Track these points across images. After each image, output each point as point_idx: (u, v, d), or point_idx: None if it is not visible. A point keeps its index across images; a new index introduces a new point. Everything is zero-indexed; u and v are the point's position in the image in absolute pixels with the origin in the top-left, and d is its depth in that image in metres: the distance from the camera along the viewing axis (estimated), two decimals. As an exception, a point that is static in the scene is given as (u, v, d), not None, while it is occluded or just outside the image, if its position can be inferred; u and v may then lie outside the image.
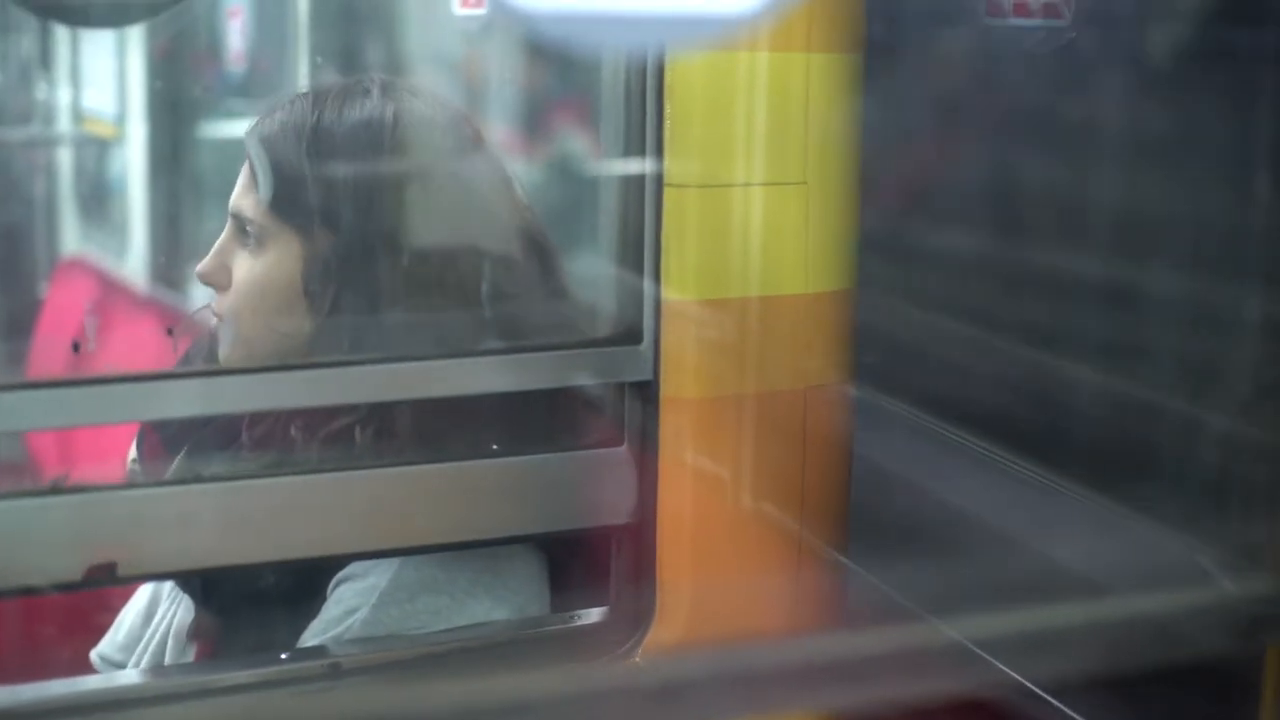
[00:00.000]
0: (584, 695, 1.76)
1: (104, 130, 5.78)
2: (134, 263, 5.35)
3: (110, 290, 5.43)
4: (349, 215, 2.33)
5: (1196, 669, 1.98)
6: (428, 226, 2.37)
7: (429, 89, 2.49)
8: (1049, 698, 2.26)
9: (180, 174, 5.26)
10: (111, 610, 2.68)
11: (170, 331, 2.44)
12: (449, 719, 2.07)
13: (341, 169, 2.35)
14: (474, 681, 2.22)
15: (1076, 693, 2.28)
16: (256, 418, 2.32)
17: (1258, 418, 2.23)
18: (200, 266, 2.40)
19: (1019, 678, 1.91)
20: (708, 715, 1.77)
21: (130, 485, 2.15)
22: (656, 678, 1.83)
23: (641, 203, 2.17)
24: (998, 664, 1.85)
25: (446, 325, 2.32)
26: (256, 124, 2.39)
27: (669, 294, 2.18)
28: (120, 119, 5.57)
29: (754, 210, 2.19)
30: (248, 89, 5.07)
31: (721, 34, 2.10)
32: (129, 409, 2.10)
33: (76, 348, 3.17)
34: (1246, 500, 2.24)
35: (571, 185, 2.75)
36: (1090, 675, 2.00)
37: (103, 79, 5.68)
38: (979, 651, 1.85)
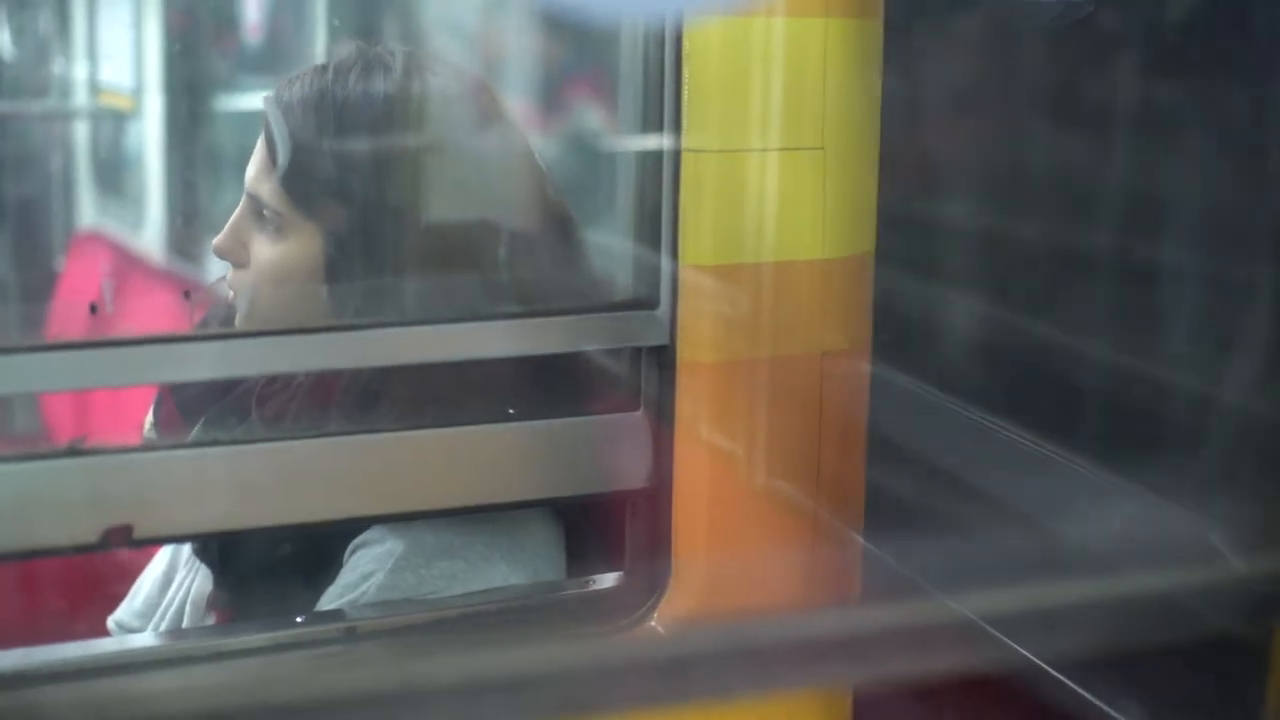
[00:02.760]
0: (598, 662, 1.75)
1: (121, 103, 5.78)
2: (150, 235, 5.35)
3: (126, 263, 5.43)
4: (372, 202, 2.32)
5: (1206, 647, 1.97)
6: (452, 206, 2.36)
7: (447, 59, 2.47)
8: (1058, 675, 2.26)
9: (196, 146, 5.26)
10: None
11: (187, 295, 2.44)
12: (463, 683, 2.08)
13: (363, 150, 2.35)
14: (489, 646, 2.22)
15: (1085, 670, 2.28)
16: (266, 392, 2.32)
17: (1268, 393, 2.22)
18: (217, 241, 2.40)
19: (1028, 654, 1.91)
20: (720, 687, 1.77)
21: (146, 448, 2.14)
22: (669, 648, 1.82)
23: (659, 168, 2.17)
24: (1007, 640, 1.85)
25: (469, 307, 2.31)
26: (272, 98, 2.37)
27: (686, 259, 2.17)
28: (137, 92, 5.57)
29: (771, 176, 2.19)
30: (264, 61, 5.07)
31: (738, 1, 2.10)
32: (140, 371, 2.10)
33: (94, 309, 3.17)
34: (1257, 477, 2.24)
35: (590, 154, 2.75)
36: (1098, 652, 2.00)
37: (119, 52, 5.67)
38: (988, 628, 1.84)
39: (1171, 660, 1.99)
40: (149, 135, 5.42)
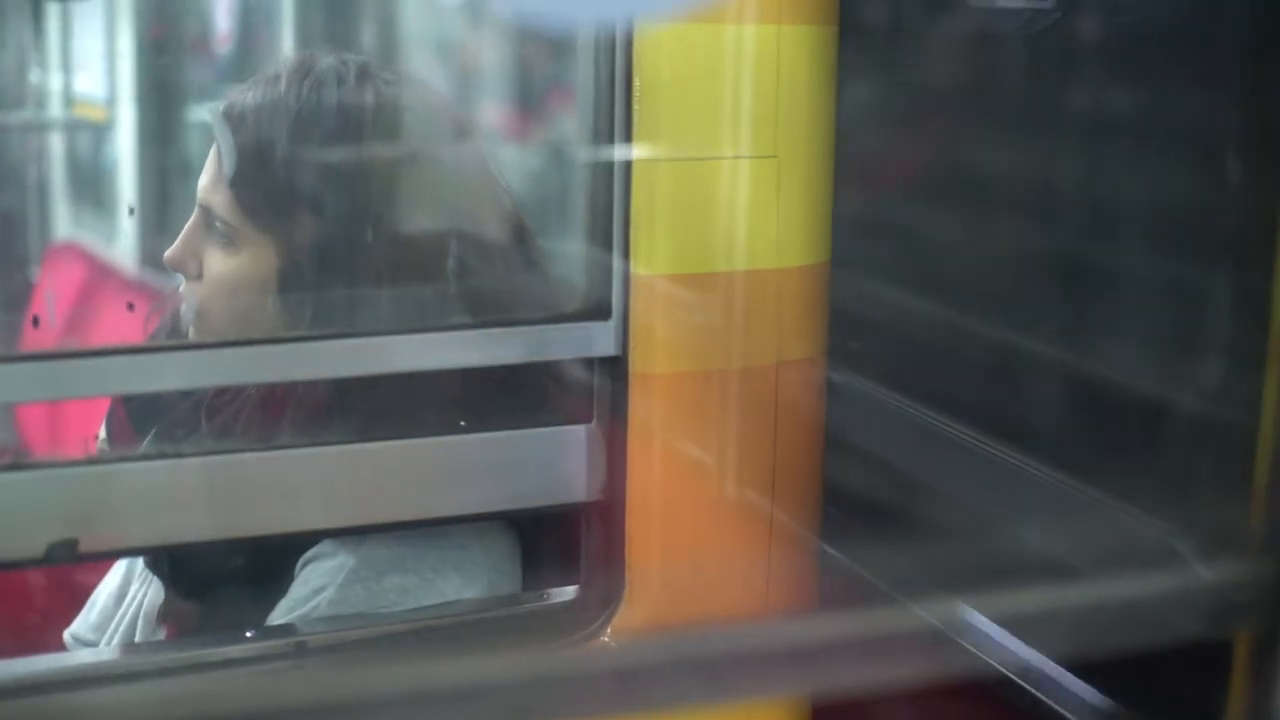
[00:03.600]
0: (552, 675, 1.73)
1: (95, 114, 5.77)
2: (124, 246, 5.33)
3: (101, 274, 5.41)
4: (325, 213, 2.30)
5: (1167, 653, 1.96)
6: (405, 217, 2.34)
7: (404, 70, 2.45)
8: (1021, 682, 2.25)
9: (169, 156, 5.24)
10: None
11: (130, 306, 2.42)
12: (414, 698, 2.06)
13: (317, 161, 2.33)
14: (441, 660, 2.20)
15: (1049, 677, 2.27)
16: (216, 404, 2.30)
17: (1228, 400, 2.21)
18: (169, 253, 2.37)
19: (989, 661, 1.89)
20: (675, 698, 1.75)
21: (91, 461, 2.12)
22: (623, 660, 1.80)
23: (610, 178, 2.15)
24: (967, 647, 1.84)
25: (422, 319, 2.30)
26: (224, 109, 2.35)
27: (638, 269, 2.15)
28: (110, 102, 5.55)
29: (724, 184, 2.17)
30: (236, 70, 5.05)
31: (691, 6, 2.08)
32: (91, 383, 2.08)
33: (36, 322, 3.16)
34: (1218, 484, 2.23)
35: (543, 164, 2.73)
36: (1062, 659, 1.99)
37: (93, 63, 5.66)
38: (948, 635, 1.83)
39: (1133, 666, 1.98)
40: (123, 145, 5.40)
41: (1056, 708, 2.34)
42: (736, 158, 2.17)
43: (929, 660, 1.84)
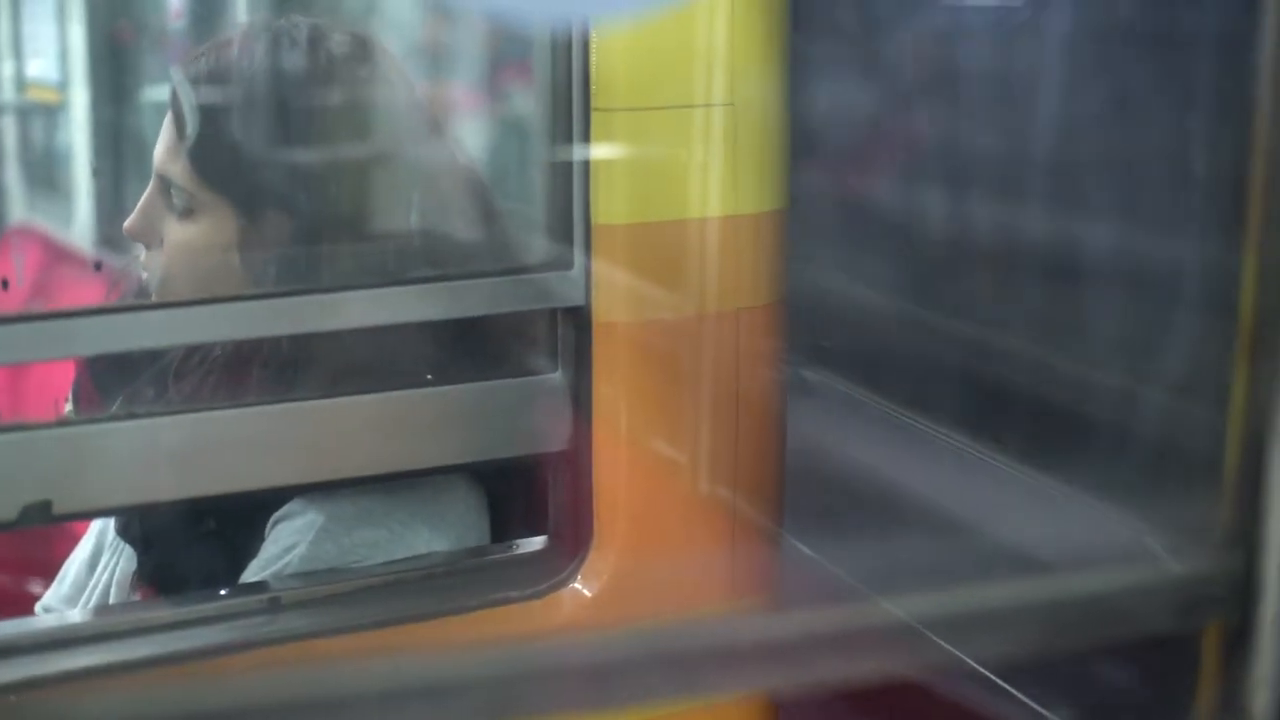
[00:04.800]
0: (521, 670, 1.74)
1: (48, 96, 5.76)
2: (80, 227, 5.33)
3: (58, 255, 5.41)
4: (283, 176, 2.31)
5: (1136, 647, 1.98)
6: (362, 176, 2.36)
7: (353, 29, 2.46)
8: (992, 675, 2.26)
9: (123, 136, 5.24)
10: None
11: (98, 266, 2.43)
12: (385, 694, 2.07)
13: (273, 124, 2.34)
14: (413, 612, 2.22)
15: (1017, 671, 2.28)
16: (183, 368, 2.31)
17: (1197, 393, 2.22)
18: (128, 223, 2.38)
19: (959, 655, 1.90)
20: (640, 693, 1.76)
21: (62, 424, 2.13)
22: (588, 656, 1.81)
23: (569, 128, 2.17)
24: (936, 641, 1.85)
25: (384, 274, 2.31)
26: (179, 75, 2.36)
27: (599, 219, 2.17)
28: (63, 85, 5.55)
29: (681, 133, 2.19)
30: (189, 46, 5.05)
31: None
32: (56, 345, 2.09)
33: (5, 284, 3.16)
34: (1188, 478, 2.24)
35: (507, 120, 2.75)
36: (1030, 653, 2.01)
37: (45, 46, 5.65)
38: (917, 629, 1.84)
39: (1102, 660, 2.00)
40: (76, 126, 5.40)
41: (1028, 701, 2.35)
42: (692, 106, 2.19)
43: (895, 656, 1.85)
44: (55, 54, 5.54)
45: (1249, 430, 1.89)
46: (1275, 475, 1.86)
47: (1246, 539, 1.88)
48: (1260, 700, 1.89)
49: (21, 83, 5.93)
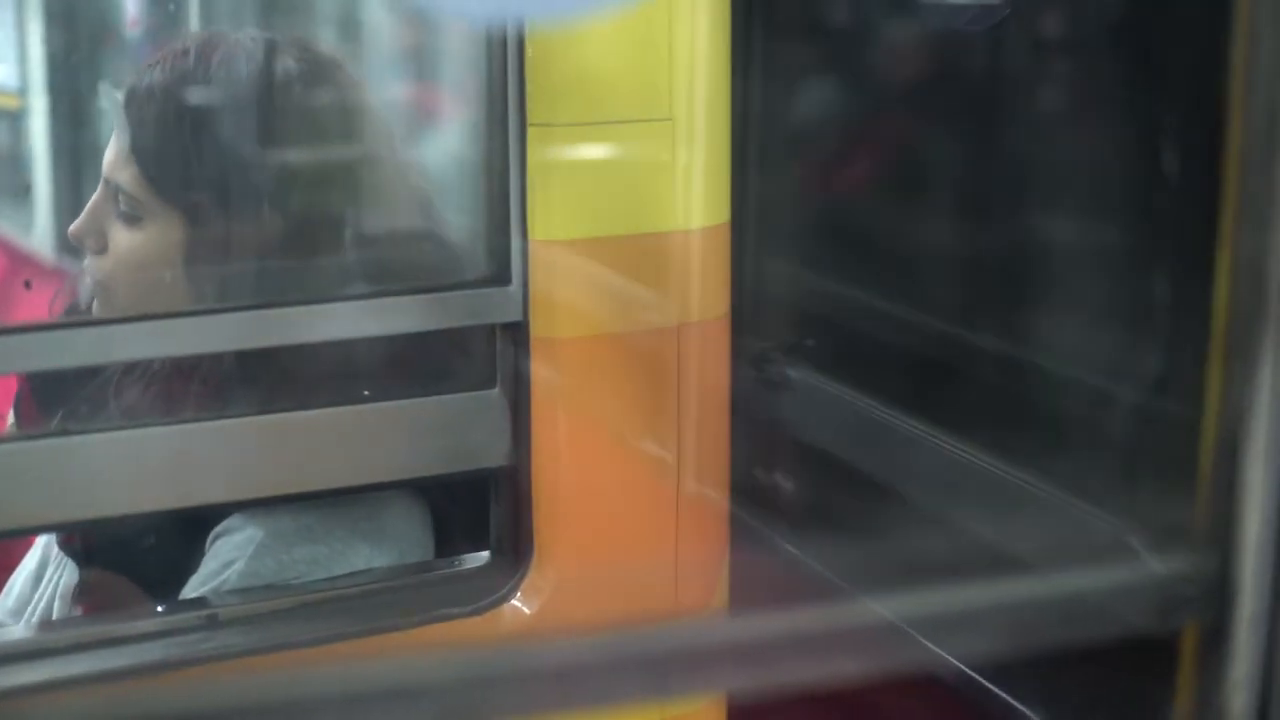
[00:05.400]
0: (477, 675, 1.73)
1: (7, 102, 5.74)
2: (40, 233, 5.31)
3: (17, 261, 5.39)
4: (231, 187, 2.31)
5: (1116, 646, 1.98)
6: (311, 190, 2.35)
7: (311, 46, 2.46)
8: (973, 673, 2.25)
9: (83, 141, 5.22)
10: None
11: (27, 285, 2.42)
12: (337, 699, 2.07)
13: (224, 135, 2.33)
14: (364, 662, 2.21)
15: (998, 670, 2.27)
16: (124, 382, 2.31)
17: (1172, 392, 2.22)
18: (74, 227, 2.38)
19: (944, 655, 1.90)
20: (593, 695, 1.75)
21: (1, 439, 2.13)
22: (542, 659, 1.80)
23: (506, 144, 2.16)
24: (911, 640, 1.84)
25: (327, 289, 2.31)
26: (131, 84, 2.36)
27: (536, 235, 2.17)
28: (22, 91, 5.53)
29: (619, 148, 2.18)
30: (146, 52, 5.03)
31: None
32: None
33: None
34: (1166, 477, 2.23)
35: (445, 135, 2.74)
36: (1009, 653, 2.00)
37: (4, 52, 5.63)
38: (893, 630, 1.84)
39: (1081, 659, 2.00)
40: (36, 132, 5.38)
41: (1011, 700, 2.35)
42: (631, 121, 2.18)
43: (870, 655, 1.84)
44: (14, 60, 5.52)
45: (1224, 430, 1.89)
46: (1251, 475, 1.86)
47: (1222, 539, 1.88)
48: (1238, 702, 1.89)
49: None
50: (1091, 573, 2.02)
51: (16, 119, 5.66)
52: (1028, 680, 2.33)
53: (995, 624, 1.90)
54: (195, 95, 2.30)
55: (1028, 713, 2.38)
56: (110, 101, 2.33)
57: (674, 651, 1.77)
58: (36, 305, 4.63)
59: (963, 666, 2.14)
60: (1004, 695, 2.36)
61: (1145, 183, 2.41)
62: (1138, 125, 2.45)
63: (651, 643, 1.78)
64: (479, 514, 2.36)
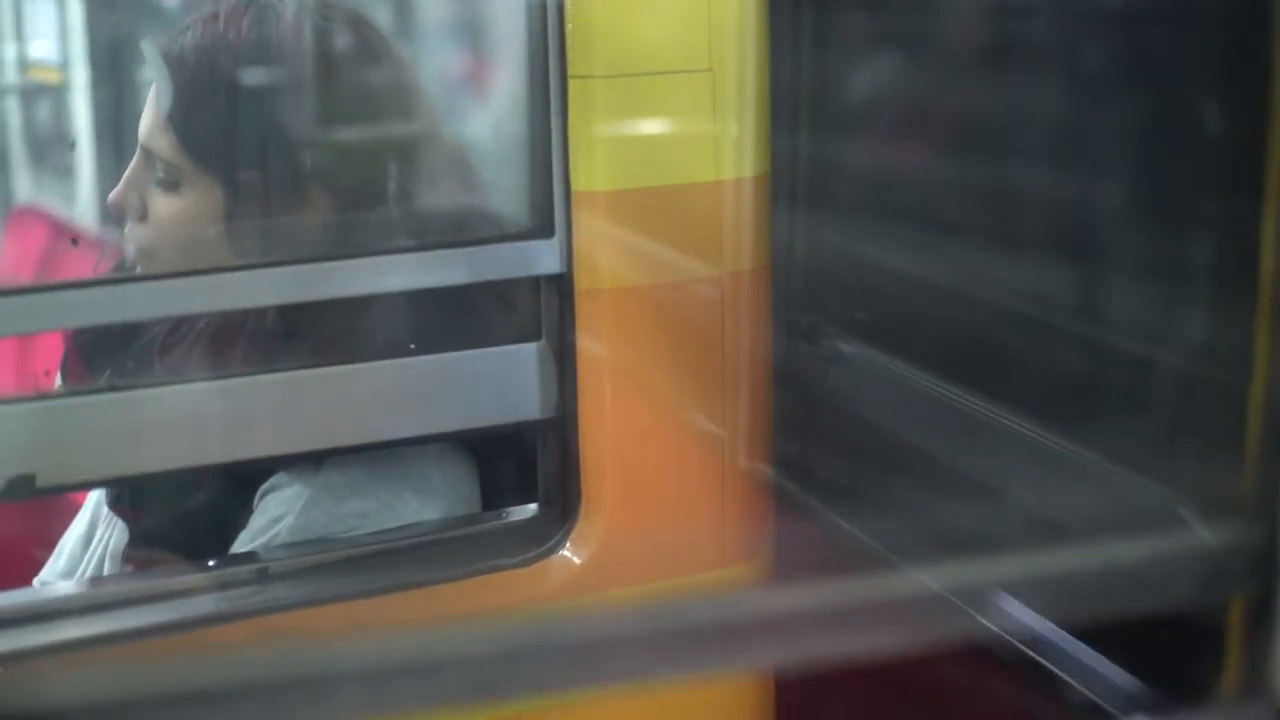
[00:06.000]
0: (517, 647, 1.73)
1: (50, 77, 5.77)
2: (84, 206, 5.34)
3: (63, 235, 5.42)
4: (269, 148, 2.32)
5: (1163, 617, 1.97)
6: (346, 147, 2.37)
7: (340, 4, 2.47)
8: (1019, 644, 2.25)
9: (124, 114, 5.25)
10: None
11: (74, 241, 2.44)
12: (372, 671, 2.08)
13: (259, 98, 2.34)
14: (402, 582, 2.23)
15: (1048, 640, 2.27)
16: (170, 341, 2.32)
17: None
18: (112, 196, 2.39)
19: (992, 626, 1.89)
20: (638, 669, 1.76)
21: (47, 397, 2.14)
22: (587, 631, 1.81)
23: (547, 96, 2.17)
24: (956, 611, 1.84)
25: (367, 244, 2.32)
26: (164, 49, 2.36)
27: (578, 186, 2.18)
28: (64, 65, 5.56)
29: (659, 99, 2.19)
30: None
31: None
32: (42, 318, 2.11)
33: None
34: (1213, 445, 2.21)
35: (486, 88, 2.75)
36: (1056, 623, 1.99)
37: (45, 28, 5.66)
38: (943, 602, 1.83)
39: (1129, 630, 1.99)
40: (78, 106, 5.41)
41: (1058, 672, 2.34)
42: (671, 73, 2.19)
43: (916, 627, 1.84)
44: (56, 35, 5.54)
45: (1271, 399, 1.88)
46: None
47: (1269, 511, 1.86)
48: (1285, 675, 1.87)
49: (24, 65, 5.94)
50: (1138, 543, 2.01)
51: (59, 93, 5.69)
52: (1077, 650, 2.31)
53: (1043, 594, 1.90)
54: (228, 59, 2.31)
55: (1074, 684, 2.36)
56: (146, 67, 2.33)
57: (711, 623, 1.76)
58: (81, 268, 4.66)
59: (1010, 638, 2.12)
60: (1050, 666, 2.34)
61: (1193, 146, 2.39)
62: (1186, 90, 2.43)
63: (688, 615, 1.77)
64: (523, 468, 2.38)
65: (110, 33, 5.32)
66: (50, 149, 5.89)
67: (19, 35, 5.87)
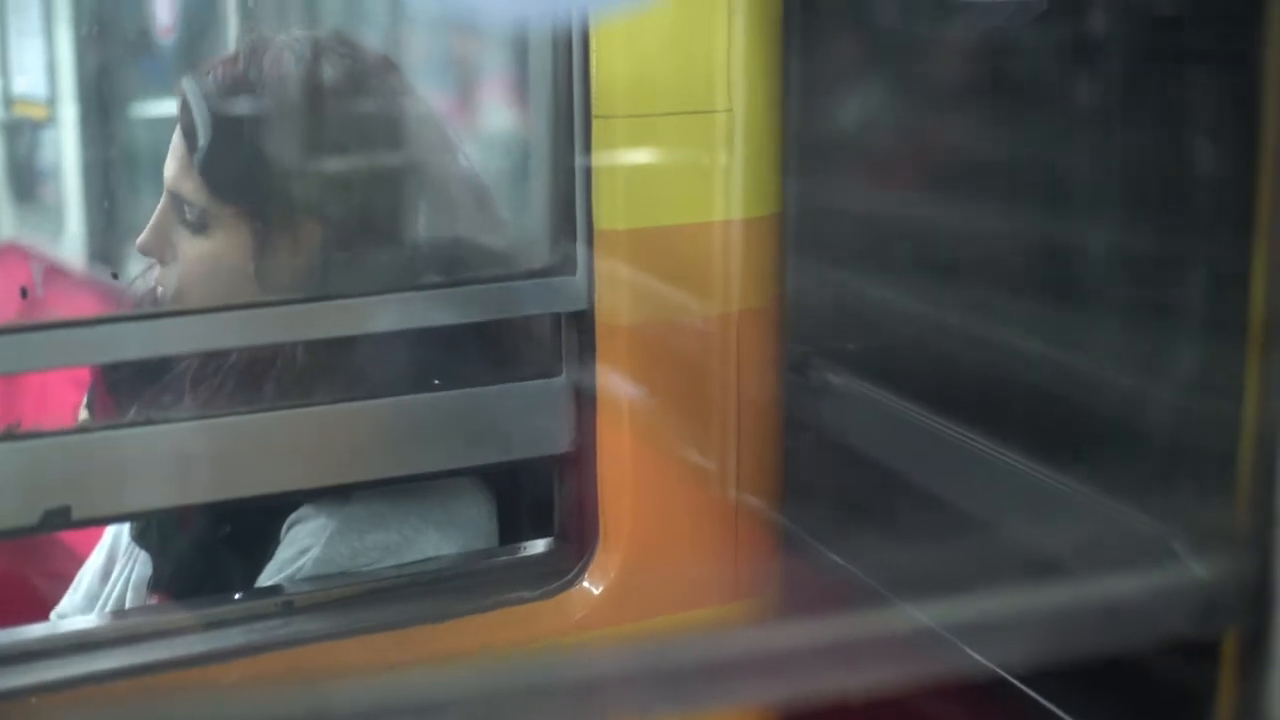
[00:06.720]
0: (520, 684, 1.76)
1: (36, 112, 5.79)
2: (70, 244, 5.36)
3: (49, 272, 5.43)
4: (294, 187, 2.36)
5: (1157, 651, 1.98)
6: (371, 185, 2.40)
7: (352, 39, 2.50)
8: (1013, 680, 2.26)
9: (112, 151, 5.26)
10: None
11: (115, 275, 2.46)
12: (397, 653, 2.12)
13: (283, 136, 2.38)
14: (424, 615, 2.26)
15: (1038, 676, 2.28)
16: (200, 375, 2.35)
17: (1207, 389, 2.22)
18: (141, 240, 2.42)
19: (984, 661, 1.91)
20: (639, 707, 1.78)
21: (81, 430, 2.17)
22: (586, 669, 1.83)
23: (571, 135, 2.21)
24: (954, 647, 1.85)
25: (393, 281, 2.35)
26: (187, 91, 2.40)
27: (600, 225, 2.22)
28: (51, 101, 5.58)
29: (680, 139, 2.23)
30: (178, 61, 5.08)
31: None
32: (75, 353, 2.13)
33: (25, 294, 3.19)
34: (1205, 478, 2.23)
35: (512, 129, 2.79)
36: (1050, 659, 2.01)
37: (32, 63, 5.68)
38: (937, 634, 1.85)
39: (1121, 665, 2.01)
40: (65, 142, 5.43)
41: (1054, 708, 2.35)
42: (691, 113, 2.23)
43: (912, 663, 1.86)
44: (43, 69, 5.56)
45: (1262, 431, 1.89)
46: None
47: (1262, 543, 1.87)
48: (1280, 709, 1.88)
49: (9, 100, 5.96)
50: (1131, 577, 2.04)
51: (43, 128, 5.70)
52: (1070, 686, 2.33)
53: (1036, 629, 1.91)
54: (251, 100, 2.34)
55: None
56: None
57: (713, 659, 1.79)
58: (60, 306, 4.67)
59: (1003, 673, 2.14)
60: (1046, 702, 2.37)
61: (1182, 180, 2.43)
62: (1174, 123, 2.46)
63: (692, 651, 1.80)
64: (538, 501, 2.41)
65: (98, 68, 5.34)
66: (35, 184, 5.90)
67: (4, 70, 5.88)
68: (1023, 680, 2.27)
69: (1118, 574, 2.06)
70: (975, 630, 1.86)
